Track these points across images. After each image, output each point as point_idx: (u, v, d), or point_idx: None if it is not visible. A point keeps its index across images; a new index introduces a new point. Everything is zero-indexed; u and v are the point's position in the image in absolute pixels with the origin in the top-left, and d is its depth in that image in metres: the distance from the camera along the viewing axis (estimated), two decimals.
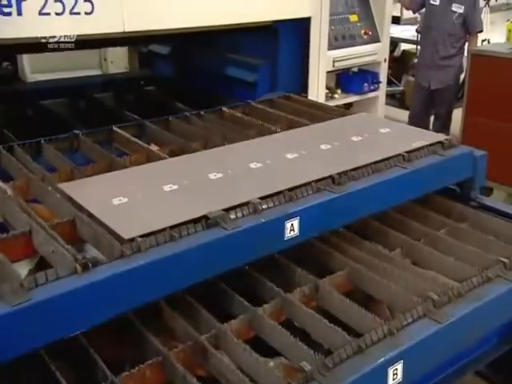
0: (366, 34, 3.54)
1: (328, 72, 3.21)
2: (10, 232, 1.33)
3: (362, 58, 3.52)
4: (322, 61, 3.04)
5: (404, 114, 5.31)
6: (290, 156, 1.77)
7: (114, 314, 1.22)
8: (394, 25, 4.00)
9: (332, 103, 3.47)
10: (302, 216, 1.49)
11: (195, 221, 1.35)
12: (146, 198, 1.47)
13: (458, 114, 4.75)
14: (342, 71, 3.59)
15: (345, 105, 3.66)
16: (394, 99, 6.18)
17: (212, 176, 1.61)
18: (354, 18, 3.55)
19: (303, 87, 3.01)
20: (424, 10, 4.93)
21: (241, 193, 1.50)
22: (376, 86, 3.65)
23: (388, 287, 1.47)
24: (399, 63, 6.43)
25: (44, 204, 1.54)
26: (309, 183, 1.57)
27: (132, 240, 1.25)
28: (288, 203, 1.50)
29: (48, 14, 1.98)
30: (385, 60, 3.65)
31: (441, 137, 1.97)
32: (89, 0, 2.07)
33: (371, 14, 3.61)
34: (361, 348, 1.23)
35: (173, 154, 1.87)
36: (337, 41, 3.43)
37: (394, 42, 5.97)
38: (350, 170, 1.67)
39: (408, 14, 5.94)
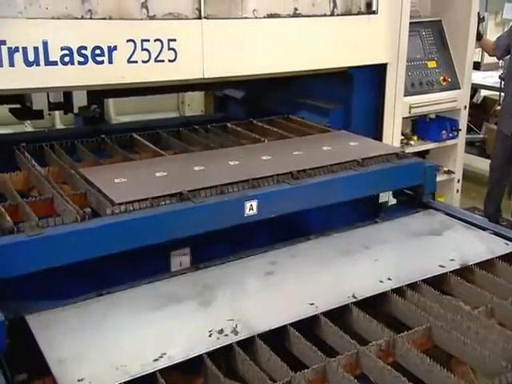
0: (445, 80, 3.46)
1: (404, 118, 3.15)
2: (38, 197, 1.86)
3: (441, 105, 3.43)
4: (397, 107, 2.99)
5: (484, 163, 5.07)
6: (264, 158, 2.16)
7: (100, 253, 1.62)
8: (474, 70, 3.87)
9: (407, 150, 3.38)
10: (260, 199, 1.85)
11: (172, 195, 1.77)
12: (140, 179, 1.94)
13: None
14: (418, 117, 3.51)
15: (421, 152, 3.56)
16: (474, 147, 5.93)
17: (196, 168, 2.03)
18: (432, 64, 3.49)
19: (378, 132, 2.97)
20: (509, 56, 4.76)
21: (214, 179, 1.89)
22: (455, 133, 3.53)
23: (473, 348, 1.36)
24: (480, 110, 6.21)
25: (68, 183, 2.02)
26: (271, 176, 1.95)
27: (121, 204, 1.69)
28: (251, 189, 1.87)
29: (135, 61, 2.10)
30: (465, 107, 3.53)
31: (397, 149, 2.33)
32: (172, 48, 2.17)
33: (451, 60, 3.54)
34: None
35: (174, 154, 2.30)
36: (414, 87, 3.38)
37: (474, 88, 5.78)
38: (309, 169, 2.02)
39: (489, 60, 5.77)
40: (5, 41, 1.83)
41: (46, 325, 1.47)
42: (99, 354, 1.37)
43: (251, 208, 1.83)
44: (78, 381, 1.27)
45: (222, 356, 1.39)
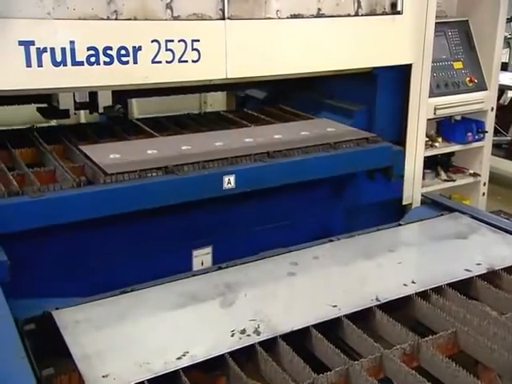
0: (471, 81, 3.39)
1: (429, 120, 3.10)
2: (42, 168, 2.09)
3: (467, 107, 3.37)
4: (422, 108, 2.94)
5: (511, 166, 4.96)
6: (247, 140, 2.35)
7: (91, 215, 1.85)
8: (501, 71, 3.79)
9: (432, 152, 3.34)
10: (237, 174, 2.05)
11: (158, 168, 1.98)
12: (131, 155, 2.12)
13: None
14: (443, 119, 3.46)
15: (446, 154, 3.51)
16: (501, 150, 5.80)
17: (183, 147, 2.22)
18: (458, 65, 3.43)
19: (402, 134, 2.93)
20: None
21: (198, 157, 2.08)
22: (481, 135, 3.46)
23: (500, 354, 1.33)
24: (507, 112, 6.08)
25: (69, 158, 2.25)
26: (249, 155, 2.15)
27: (112, 174, 1.91)
28: (229, 165, 2.09)
29: (159, 62, 2.12)
30: (492, 109, 3.46)
31: (369, 135, 2.49)
32: (196, 49, 2.18)
33: (478, 60, 3.47)
34: None
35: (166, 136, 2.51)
36: (439, 88, 3.33)
37: (501, 89, 5.66)
38: (285, 150, 2.23)
39: None
40: (33, 41, 1.86)
41: (72, 321, 1.49)
42: (123, 351, 1.39)
43: (229, 182, 2.03)
44: (103, 377, 1.28)
45: (245, 356, 1.39)
